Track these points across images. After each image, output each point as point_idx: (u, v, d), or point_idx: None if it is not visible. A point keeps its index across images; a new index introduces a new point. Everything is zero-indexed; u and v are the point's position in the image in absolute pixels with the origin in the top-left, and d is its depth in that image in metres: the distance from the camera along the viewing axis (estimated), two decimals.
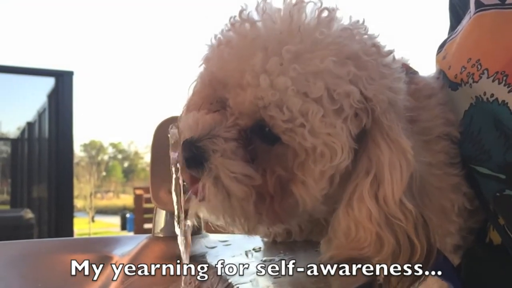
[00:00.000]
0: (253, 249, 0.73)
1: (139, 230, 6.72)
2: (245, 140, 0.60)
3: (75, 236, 6.26)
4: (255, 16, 0.61)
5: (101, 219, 21.27)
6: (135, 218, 7.35)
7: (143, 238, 0.79)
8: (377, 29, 0.65)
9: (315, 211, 0.64)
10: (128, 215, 17.80)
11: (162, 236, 0.78)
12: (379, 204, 0.57)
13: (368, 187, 0.58)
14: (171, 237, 0.77)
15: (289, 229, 0.75)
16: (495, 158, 0.69)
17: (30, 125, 6.21)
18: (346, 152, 0.57)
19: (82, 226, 15.73)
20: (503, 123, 0.66)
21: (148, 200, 7.08)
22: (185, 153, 0.60)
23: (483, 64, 0.67)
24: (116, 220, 20.19)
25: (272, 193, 0.59)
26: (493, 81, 0.66)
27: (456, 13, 0.89)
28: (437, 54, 0.81)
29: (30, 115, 6.08)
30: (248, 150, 0.59)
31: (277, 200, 0.60)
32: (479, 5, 0.71)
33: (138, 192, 7.21)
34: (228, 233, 0.83)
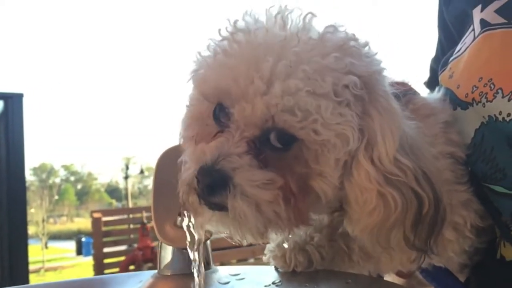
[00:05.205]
0: (273, 283, 0.69)
1: (99, 255, 6.46)
2: (255, 150, 0.60)
3: (29, 264, 5.93)
4: (250, 25, 0.62)
5: (55, 245, 20.38)
6: (93, 242, 7.04)
7: (147, 277, 0.74)
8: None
9: (334, 198, 0.64)
10: (83, 239, 17.13)
11: (169, 274, 0.73)
12: (375, 165, 0.60)
13: (363, 152, 0.60)
14: (180, 274, 0.73)
15: (310, 257, 0.72)
16: (510, 176, 0.69)
17: None
18: (356, 135, 0.60)
19: (35, 254, 14.95)
20: None
21: (106, 223, 6.83)
22: (206, 179, 0.59)
23: (496, 83, 0.68)
24: (71, 245, 19.38)
25: (296, 192, 0.60)
26: (509, 100, 0.66)
27: (448, 30, 0.90)
28: (441, 73, 0.81)
29: None
30: (260, 159, 0.60)
31: (300, 198, 0.60)
32: (485, 25, 0.72)
33: (96, 215, 6.92)
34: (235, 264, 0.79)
